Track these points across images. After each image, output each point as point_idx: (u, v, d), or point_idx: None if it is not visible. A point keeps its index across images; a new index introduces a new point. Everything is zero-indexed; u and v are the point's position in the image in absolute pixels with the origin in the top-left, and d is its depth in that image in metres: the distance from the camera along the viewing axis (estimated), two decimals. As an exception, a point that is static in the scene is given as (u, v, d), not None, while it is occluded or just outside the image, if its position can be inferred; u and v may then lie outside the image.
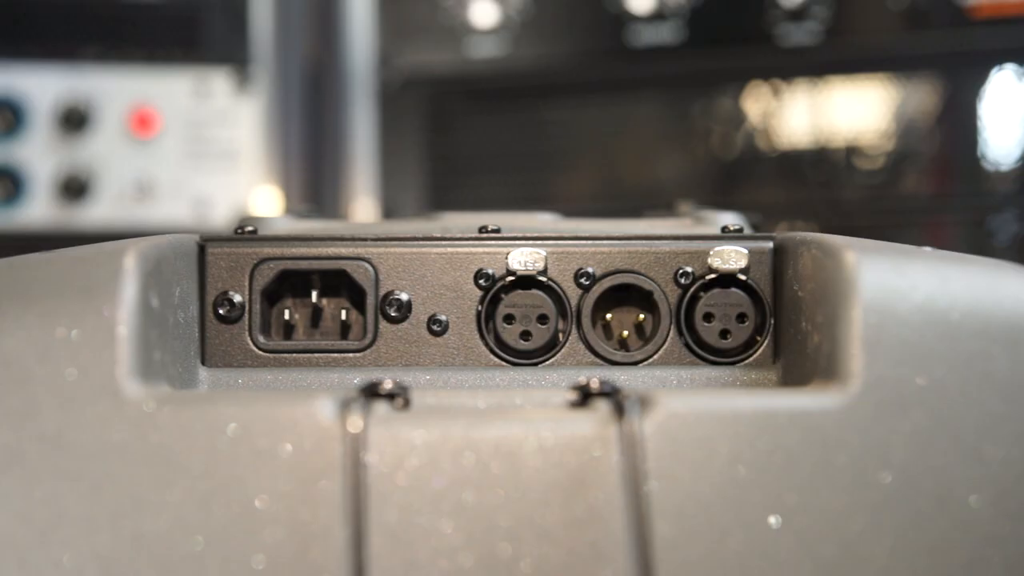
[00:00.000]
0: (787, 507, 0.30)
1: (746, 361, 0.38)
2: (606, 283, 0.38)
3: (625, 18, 0.92)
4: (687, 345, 0.38)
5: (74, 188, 0.93)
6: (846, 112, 0.89)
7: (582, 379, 0.32)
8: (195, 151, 0.94)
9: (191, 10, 0.94)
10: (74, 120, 0.93)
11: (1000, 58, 0.86)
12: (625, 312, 0.39)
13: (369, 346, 0.38)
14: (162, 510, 0.29)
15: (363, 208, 0.98)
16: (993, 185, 0.87)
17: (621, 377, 0.38)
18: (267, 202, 0.94)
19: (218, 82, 0.94)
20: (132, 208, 0.93)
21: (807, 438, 0.30)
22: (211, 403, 0.30)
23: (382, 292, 0.38)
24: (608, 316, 0.39)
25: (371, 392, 0.31)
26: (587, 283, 0.38)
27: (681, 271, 0.38)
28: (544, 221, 0.48)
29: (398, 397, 0.31)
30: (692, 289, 0.38)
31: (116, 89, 0.94)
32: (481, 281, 0.38)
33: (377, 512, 0.29)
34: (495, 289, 0.38)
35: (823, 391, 0.31)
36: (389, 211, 0.98)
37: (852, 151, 0.89)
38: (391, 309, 0.38)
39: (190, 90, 0.93)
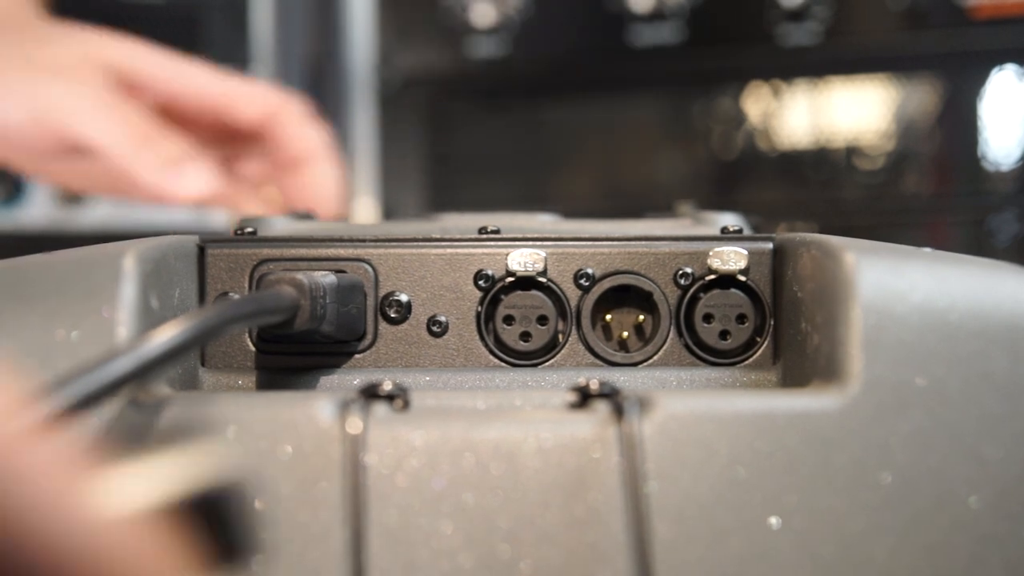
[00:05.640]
0: (787, 508, 0.30)
1: (746, 362, 0.38)
2: (606, 284, 0.38)
3: (625, 18, 0.92)
4: (687, 346, 0.38)
5: (74, 188, 0.93)
6: (846, 112, 0.89)
7: (581, 380, 0.32)
8: (195, 151, 0.94)
9: (191, 10, 0.94)
10: (74, 120, 0.92)
11: (1000, 58, 0.86)
12: (625, 313, 0.39)
13: (369, 347, 0.38)
14: (162, 511, 0.29)
15: (363, 208, 0.98)
16: (993, 185, 0.86)
17: (621, 378, 0.38)
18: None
19: (218, 82, 0.94)
20: (132, 209, 0.93)
21: (806, 439, 0.30)
22: (211, 405, 0.30)
23: (382, 293, 0.38)
24: (608, 317, 0.39)
25: (370, 393, 0.31)
26: (587, 284, 0.38)
27: (681, 272, 0.38)
28: (544, 222, 0.48)
29: (397, 398, 0.31)
30: (692, 290, 0.38)
31: (116, 89, 0.94)
32: (481, 282, 0.38)
33: (377, 513, 0.29)
34: (495, 290, 0.38)
35: (822, 392, 0.31)
36: (389, 211, 0.98)
37: (852, 151, 0.89)
38: (391, 310, 0.38)
39: (190, 90, 0.92)
